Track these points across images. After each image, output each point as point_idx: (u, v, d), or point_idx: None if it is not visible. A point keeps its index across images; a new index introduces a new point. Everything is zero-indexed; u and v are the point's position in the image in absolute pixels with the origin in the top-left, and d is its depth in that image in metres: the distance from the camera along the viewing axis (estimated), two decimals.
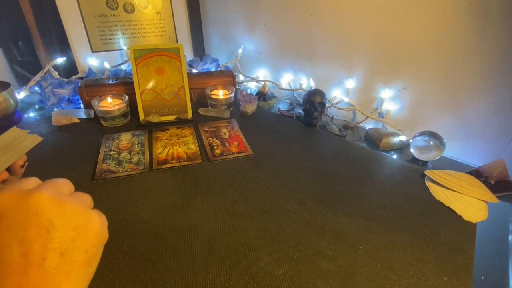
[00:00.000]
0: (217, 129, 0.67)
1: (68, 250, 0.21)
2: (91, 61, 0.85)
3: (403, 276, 0.37)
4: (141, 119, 0.67)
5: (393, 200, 0.49)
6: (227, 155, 0.58)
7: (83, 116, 0.69)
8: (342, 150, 0.62)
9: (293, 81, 0.88)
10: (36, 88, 0.76)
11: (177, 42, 0.94)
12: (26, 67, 0.88)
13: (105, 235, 0.26)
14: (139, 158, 0.56)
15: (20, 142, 0.40)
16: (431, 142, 0.58)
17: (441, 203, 0.49)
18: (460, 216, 0.46)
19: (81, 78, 0.80)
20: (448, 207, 0.48)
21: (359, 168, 0.57)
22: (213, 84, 0.76)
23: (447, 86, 0.62)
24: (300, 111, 0.76)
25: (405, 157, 0.63)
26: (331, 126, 0.71)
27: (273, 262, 0.38)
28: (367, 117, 0.73)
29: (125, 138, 0.62)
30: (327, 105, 0.73)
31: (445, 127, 0.65)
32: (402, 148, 0.65)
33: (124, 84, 0.70)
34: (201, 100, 0.77)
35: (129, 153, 0.57)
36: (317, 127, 0.71)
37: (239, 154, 0.59)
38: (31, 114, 0.72)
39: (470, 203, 0.48)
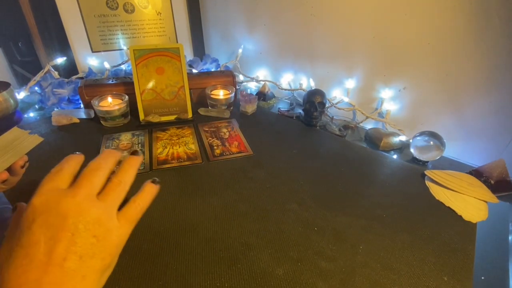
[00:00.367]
0: (217, 129, 0.67)
1: (87, 255, 0.22)
2: (91, 61, 0.85)
3: (403, 276, 0.37)
4: (141, 119, 0.67)
5: (393, 200, 0.49)
6: (227, 155, 0.58)
7: (83, 116, 0.69)
8: (342, 150, 0.62)
9: (293, 81, 0.88)
10: (36, 88, 0.76)
11: (177, 42, 0.94)
12: (26, 67, 0.88)
13: (122, 243, 0.27)
14: None
15: (21, 142, 0.40)
16: (431, 142, 0.58)
17: (441, 203, 0.49)
18: (460, 216, 0.46)
19: (81, 78, 0.80)
20: (448, 207, 0.48)
21: (359, 168, 0.57)
22: (213, 84, 0.76)
23: (447, 86, 0.62)
24: (300, 111, 0.76)
25: (405, 157, 0.63)
26: (331, 126, 0.71)
27: (273, 262, 0.38)
28: (367, 117, 0.73)
29: (125, 138, 0.62)
30: (327, 105, 0.73)
31: (445, 127, 0.65)
32: (402, 148, 0.66)
33: (124, 84, 0.70)
34: (201, 100, 0.77)
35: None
36: (317, 127, 0.71)
37: (239, 154, 0.59)
38: (31, 114, 0.72)
39: (470, 203, 0.48)
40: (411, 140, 0.61)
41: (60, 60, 0.81)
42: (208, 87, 0.74)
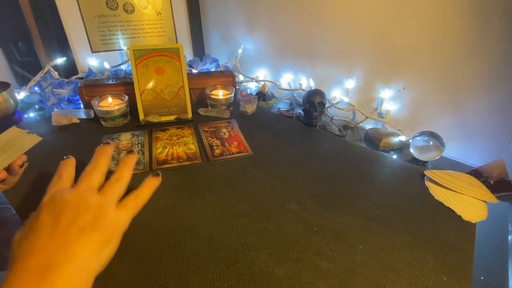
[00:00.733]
0: (217, 129, 0.67)
1: (87, 229, 0.27)
2: (91, 61, 0.85)
3: (403, 276, 0.37)
4: (141, 119, 0.67)
5: (393, 200, 0.49)
6: (227, 155, 0.58)
7: (83, 116, 0.69)
8: (342, 150, 0.62)
9: (293, 81, 0.88)
10: (36, 88, 0.76)
11: (177, 42, 0.94)
12: (26, 67, 0.88)
13: (122, 227, 0.31)
14: (138, 158, 0.56)
15: (19, 141, 0.40)
16: (431, 142, 0.58)
17: (441, 203, 0.49)
18: (460, 216, 0.46)
19: (81, 78, 0.80)
20: (448, 207, 0.48)
21: (359, 168, 0.57)
22: (213, 84, 0.76)
23: (447, 86, 0.62)
24: (300, 111, 0.76)
25: (405, 157, 0.63)
26: (331, 126, 0.71)
27: (272, 262, 0.38)
28: (367, 117, 0.73)
29: (125, 138, 0.62)
30: (327, 105, 0.73)
31: (445, 127, 0.65)
32: (402, 148, 0.66)
33: (124, 84, 0.70)
34: (201, 100, 0.77)
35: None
36: (317, 127, 0.71)
37: (239, 154, 0.59)
38: (31, 114, 0.72)
39: (470, 203, 0.48)
40: (410, 140, 0.61)
41: (60, 60, 0.81)
42: (208, 87, 0.74)
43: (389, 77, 0.69)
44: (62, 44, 0.82)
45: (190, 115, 0.71)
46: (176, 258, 0.38)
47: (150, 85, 0.67)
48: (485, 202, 0.49)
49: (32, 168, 0.50)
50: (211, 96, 0.72)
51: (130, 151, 0.38)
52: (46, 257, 0.24)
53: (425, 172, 0.55)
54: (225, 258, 0.38)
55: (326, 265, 0.38)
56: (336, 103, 0.77)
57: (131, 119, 0.69)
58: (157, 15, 0.90)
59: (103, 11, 0.83)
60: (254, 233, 0.42)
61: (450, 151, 0.64)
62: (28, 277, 0.23)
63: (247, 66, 0.96)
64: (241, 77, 0.93)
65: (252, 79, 0.92)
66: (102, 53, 0.86)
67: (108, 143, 0.40)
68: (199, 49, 1.00)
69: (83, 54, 0.84)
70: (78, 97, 0.72)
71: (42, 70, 0.77)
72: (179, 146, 0.60)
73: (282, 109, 0.78)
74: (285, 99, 0.88)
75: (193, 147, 0.60)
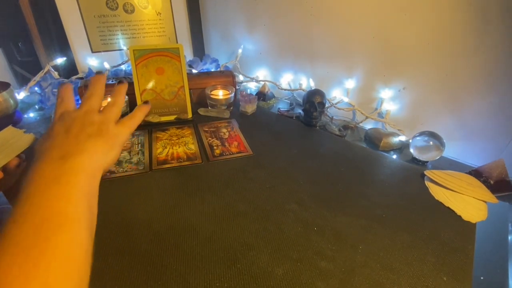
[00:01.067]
0: (217, 129, 0.67)
1: (94, 135, 0.32)
2: (91, 61, 0.85)
3: (403, 276, 0.37)
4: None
5: (393, 200, 0.49)
6: (227, 155, 0.58)
7: None
8: (342, 150, 0.62)
9: (293, 81, 0.88)
10: (36, 88, 0.76)
11: (177, 42, 0.94)
12: (26, 67, 0.88)
13: (122, 138, 0.37)
14: (138, 158, 0.56)
15: (15, 141, 0.40)
16: (431, 142, 0.58)
17: (441, 203, 0.49)
18: (460, 216, 0.46)
19: (81, 78, 0.80)
20: (448, 207, 0.48)
21: (359, 168, 0.57)
22: (213, 84, 0.76)
23: (447, 86, 0.62)
24: (300, 111, 0.76)
25: (405, 157, 0.63)
26: (331, 126, 0.71)
27: (272, 262, 0.38)
28: (367, 117, 0.73)
29: None
30: (327, 105, 0.73)
31: (445, 127, 0.65)
32: (402, 148, 0.66)
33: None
34: (201, 100, 0.77)
35: (129, 153, 0.57)
36: (317, 127, 0.71)
37: (239, 154, 0.59)
38: (31, 114, 0.72)
39: (470, 203, 0.48)
40: (410, 140, 0.61)
41: (60, 60, 0.81)
42: (208, 87, 0.74)
43: (389, 77, 0.69)
44: (62, 44, 0.82)
45: (190, 115, 0.71)
46: (176, 258, 0.38)
47: (150, 85, 0.67)
48: (485, 202, 0.49)
49: None
50: (211, 96, 0.72)
51: (120, 82, 0.45)
52: (63, 150, 0.30)
53: (425, 172, 0.55)
54: (225, 258, 0.38)
55: (326, 265, 0.38)
56: (336, 103, 0.77)
57: None
58: (157, 15, 0.90)
59: (103, 11, 0.83)
60: (254, 233, 0.42)
61: (450, 151, 0.64)
62: (51, 162, 0.28)
63: (247, 66, 0.96)
64: (241, 77, 0.93)
65: (252, 79, 0.92)
66: (102, 53, 0.86)
67: (101, 72, 0.45)
68: (199, 49, 1.00)
69: (83, 54, 0.84)
70: (78, 97, 0.72)
71: (42, 70, 0.77)
72: (179, 146, 0.60)
73: (282, 109, 0.78)
74: (285, 99, 0.88)
75: (193, 147, 0.60)
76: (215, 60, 0.93)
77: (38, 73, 0.76)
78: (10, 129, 0.40)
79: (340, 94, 0.78)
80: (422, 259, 0.39)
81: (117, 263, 0.37)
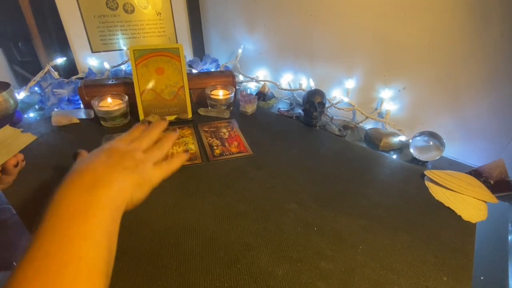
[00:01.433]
0: (217, 129, 0.67)
1: (129, 170, 0.34)
2: (91, 61, 0.85)
3: (403, 276, 0.37)
4: (141, 119, 0.67)
5: (393, 200, 0.49)
6: (227, 155, 0.58)
7: (83, 116, 0.69)
8: (342, 150, 0.62)
9: (293, 81, 0.88)
10: (36, 88, 0.76)
11: (177, 42, 0.94)
12: (26, 67, 0.88)
13: (154, 180, 0.37)
14: None
15: (13, 140, 0.40)
16: (431, 142, 0.58)
17: (441, 203, 0.49)
18: (460, 216, 0.46)
19: (81, 78, 0.80)
20: (448, 207, 0.48)
21: (359, 168, 0.57)
22: (213, 84, 0.76)
23: (447, 86, 0.62)
24: (300, 111, 0.76)
25: (405, 157, 0.63)
26: (331, 126, 0.71)
27: (272, 262, 0.38)
28: (367, 117, 0.73)
29: None
30: (327, 105, 0.73)
31: (445, 127, 0.65)
32: (402, 148, 0.66)
33: (124, 84, 0.70)
34: (201, 100, 0.77)
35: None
36: (317, 127, 0.71)
37: (239, 154, 0.59)
38: (31, 114, 0.72)
39: (470, 203, 0.48)
40: (410, 140, 0.61)
41: (60, 60, 0.81)
42: (208, 87, 0.74)
43: (389, 77, 0.69)
44: (62, 44, 0.82)
45: (190, 115, 0.71)
46: (176, 257, 0.38)
47: (150, 85, 0.67)
48: (485, 202, 0.49)
49: (31, 167, 0.50)
50: (211, 96, 0.72)
51: (174, 129, 0.47)
52: (96, 176, 0.31)
53: (425, 172, 0.55)
54: (225, 258, 0.38)
55: (326, 265, 0.38)
56: (336, 103, 0.77)
57: (131, 119, 0.69)
58: (157, 15, 0.90)
59: (103, 11, 0.83)
60: (254, 233, 0.42)
61: (450, 151, 0.64)
62: (82, 186, 0.30)
63: (247, 66, 0.96)
64: (241, 77, 0.93)
65: (252, 79, 0.92)
66: (102, 53, 0.86)
67: (164, 118, 0.49)
68: (199, 49, 1.00)
69: (83, 54, 0.84)
70: (78, 97, 0.73)
71: (42, 70, 0.77)
72: (179, 146, 0.60)
73: (282, 109, 0.78)
74: (285, 99, 0.88)
75: (193, 147, 0.60)
76: (215, 60, 0.93)
77: (38, 73, 0.76)
78: (7, 129, 0.40)
79: (340, 94, 0.78)
80: (422, 259, 0.39)
81: (117, 263, 0.37)
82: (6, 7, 0.80)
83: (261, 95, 0.83)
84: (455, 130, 0.64)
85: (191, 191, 0.49)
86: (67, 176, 0.32)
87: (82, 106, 0.72)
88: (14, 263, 0.38)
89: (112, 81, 0.71)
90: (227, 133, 0.65)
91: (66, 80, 0.76)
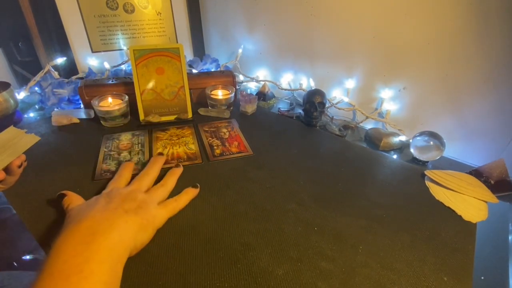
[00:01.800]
0: (217, 129, 0.67)
1: (131, 212, 0.33)
2: (91, 61, 0.85)
3: (403, 276, 0.37)
4: (141, 119, 0.67)
5: (393, 200, 0.49)
6: (227, 155, 0.58)
7: (83, 116, 0.69)
8: (342, 150, 0.62)
9: (293, 81, 0.88)
10: (36, 88, 0.76)
11: (177, 42, 0.94)
12: (26, 67, 0.88)
13: (159, 221, 0.37)
14: (139, 158, 0.56)
15: (17, 141, 0.40)
16: (431, 142, 0.58)
17: (441, 203, 0.49)
18: (460, 216, 0.46)
19: (81, 78, 0.80)
20: (448, 207, 0.48)
21: (359, 168, 0.57)
22: (213, 84, 0.76)
23: (447, 86, 0.62)
24: (300, 111, 0.76)
25: (405, 157, 0.63)
26: (331, 126, 0.71)
27: (273, 262, 0.38)
28: (367, 117, 0.73)
29: (125, 138, 0.62)
30: (327, 105, 0.73)
31: (445, 127, 0.65)
32: (402, 148, 0.66)
33: (124, 84, 0.70)
34: (201, 100, 0.77)
35: (129, 153, 0.57)
36: (317, 127, 0.71)
37: (239, 154, 0.59)
38: (31, 114, 0.72)
39: (470, 203, 0.48)
40: (411, 140, 0.61)
41: (60, 60, 0.81)
42: (208, 87, 0.74)
43: (389, 77, 0.69)
44: (62, 44, 0.82)
45: (190, 115, 0.71)
46: (176, 258, 0.38)
47: (150, 85, 0.67)
48: (485, 202, 0.49)
49: (32, 167, 0.50)
50: (211, 96, 0.72)
51: (177, 165, 0.48)
52: (95, 224, 0.30)
53: (426, 172, 0.55)
54: (225, 258, 0.38)
55: (326, 265, 0.38)
56: (336, 103, 0.77)
57: (131, 119, 0.69)
58: (157, 15, 0.90)
59: (103, 11, 0.83)
60: (254, 233, 0.42)
61: (450, 151, 0.64)
62: (79, 237, 0.28)
63: (247, 66, 0.96)
64: (241, 77, 0.93)
65: (252, 79, 0.92)
66: (102, 53, 0.86)
67: (162, 153, 0.50)
68: (199, 49, 1.00)
69: (83, 54, 0.84)
70: (78, 97, 0.73)
71: (42, 70, 0.77)
72: (179, 146, 0.60)
73: (282, 109, 0.78)
74: (285, 99, 0.88)
75: (193, 147, 0.60)
76: (215, 60, 0.93)
77: (38, 73, 0.76)
78: (11, 130, 0.40)
79: (340, 94, 0.78)
80: (422, 259, 0.39)
81: None
82: (6, 7, 0.80)
83: (261, 95, 0.83)
84: (455, 130, 0.64)
85: None
86: (64, 227, 0.30)
87: (82, 106, 0.72)
88: (15, 263, 0.38)
89: (112, 81, 0.71)
90: (227, 133, 0.65)
91: (66, 80, 0.76)
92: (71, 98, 0.75)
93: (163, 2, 0.89)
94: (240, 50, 0.93)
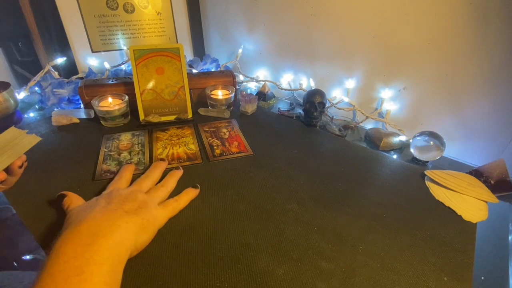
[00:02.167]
0: (217, 129, 0.67)
1: (131, 213, 0.33)
2: (91, 61, 0.85)
3: (403, 276, 0.37)
4: (141, 119, 0.67)
5: (393, 200, 0.49)
6: (227, 155, 0.58)
7: (83, 116, 0.69)
8: (342, 150, 0.62)
9: (293, 81, 0.88)
10: (36, 88, 0.76)
11: (177, 42, 0.94)
12: (26, 67, 0.88)
13: (159, 221, 0.37)
14: (139, 159, 0.56)
15: (18, 142, 0.40)
16: (431, 142, 0.58)
17: (441, 203, 0.49)
18: (460, 216, 0.46)
19: (81, 78, 0.80)
20: (448, 207, 0.48)
21: (359, 168, 0.57)
22: (213, 84, 0.76)
23: (447, 86, 0.62)
24: (300, 111, 0.76)
25: (405, 157, 0.63)
26: (331, 126, 0.71)
27: (273, 262, 0.38)
28: (367, 117, 0.73)
29: (125, 138, 0.62)
30: (327, 105, 0.73)
31: (445, 127, 0.65)
32: (402, 148, 0.66)
33: (124, 84, 0.70)
34: (201, 100, 0.77)
35: (129, 153, 0.57)
36: (317, 127, 0.71)
37: (239, 154, 0.59)
38: (31, 114, 0.72)
39: (470, 203, 0.48)
40: (411, 140, 0.61)
41: (60, 60, 0.81)
42: (208, 87, 0.74)
43: (389, 77, 0.69)
44: (62, 44, 0.82)
45: (190, 115, 0.71)
46: (176, 258, 0.38)
47: (150, 85, 0.67)
48: (485, 202, 0.49)
49: (32, 168, 0.50)
50: (211, 96, 0.72)
51: (177, 168, 0.49)
52: (95, 225, 0.30)
53: (426, 172, 0.55)
54: (225, 258, 0.38)
55: (326, 265, 0.38)
56: (336, 103, 0.77)
57: (131, 119, 0.69)
58: (157, 15, 0.90)
59: (103, 11, 0.83)
60: (254, 233, 0.42)
61: (451, 151, 0.64)
62: (79, 238, 0.28)
63: (247, 66, 0.96)
64: (241, 77, 0.93)
65: (252, 79, 0.92)
66: (102, 53, 0.86)
67: (164, 159, 0.51)
68: (199, 49, 1.00)
69: (83, 54, 0.84)
70: (78, 97, 0.72)
71: (42, 70, 0.77)
72: (179, 146, 0.60)
73: (282, 109, 0.78)
74: (285, 99, 0.88)
75: (193, 147, 0.60)
76: (215, 60, 0.93)
77: (38, 73, 0.76)
78: (12, 130, 0.40)
79: (340, 94, 0.78)
80: (422, 259, 0.39)
81: None
82: (6, 7, 0.80)
83: (261, 95, 0.83)
84: (455, 130, 0.64)
85: None
86: (64, 227, 0.30)
87: (82, 106, 0.72)
88: (15, 263, 0.38)
89: (112, 81, 0.71)
90: (227, 133, 0.65)
91: (66, 80, 0.76)
92: (71, 98, 0.75)
93: (163, 2, 0.89)
94: (240, 50, 0.93)
